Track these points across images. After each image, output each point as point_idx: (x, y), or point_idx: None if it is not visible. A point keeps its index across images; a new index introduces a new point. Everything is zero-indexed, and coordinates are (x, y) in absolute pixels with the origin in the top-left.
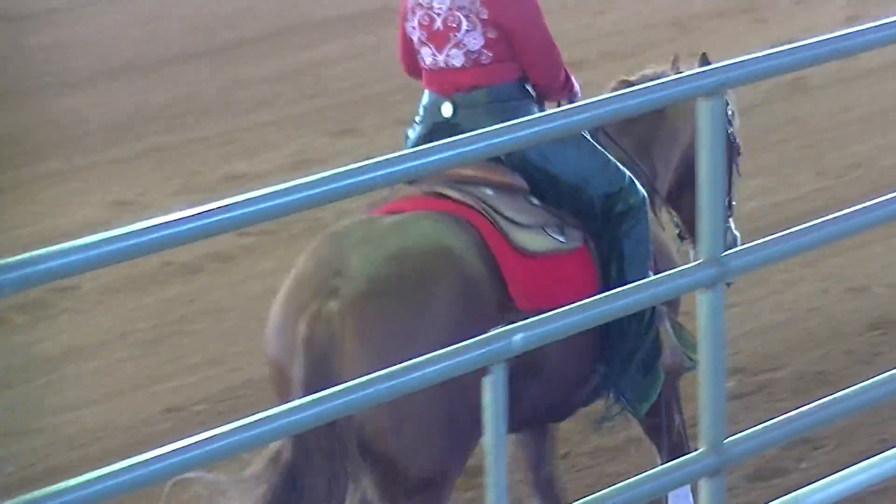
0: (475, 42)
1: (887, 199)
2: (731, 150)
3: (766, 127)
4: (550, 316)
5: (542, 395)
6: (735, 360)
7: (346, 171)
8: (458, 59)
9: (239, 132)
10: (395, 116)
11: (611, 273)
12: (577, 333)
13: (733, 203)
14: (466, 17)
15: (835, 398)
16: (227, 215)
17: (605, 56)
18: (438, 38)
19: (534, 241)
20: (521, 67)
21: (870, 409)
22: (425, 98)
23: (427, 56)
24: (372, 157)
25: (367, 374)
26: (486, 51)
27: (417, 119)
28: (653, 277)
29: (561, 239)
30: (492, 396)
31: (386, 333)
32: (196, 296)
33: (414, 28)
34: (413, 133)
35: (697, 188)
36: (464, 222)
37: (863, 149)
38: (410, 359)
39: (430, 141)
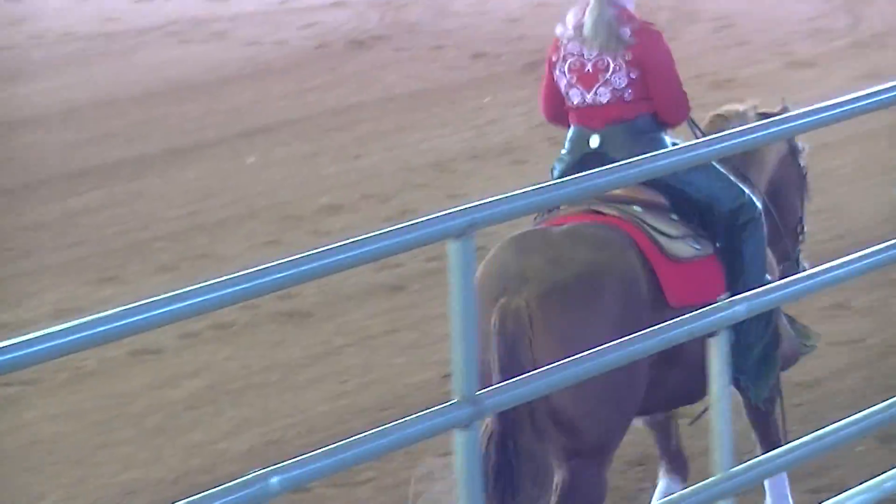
0: (620, 81)
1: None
2: (803, 182)
3: None
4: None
5: (682, 380)
6: None
7: (103, 317)
8: (604, 97)
9: (0, 282)
10: (159, 263)
11: (735, 275)
12: None
13: (804, 230)
14: (613, 59)
15: None
16: None
17: (365, 198)
18: (588, 80)
19: (679, 249)
20: (654, 103)
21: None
22: (572, 133)
23: (575, 97)
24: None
25: (552, 357)
26: (629, 89)
27: (564, 151)
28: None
29: (697, 247)
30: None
31: (566, 323)
32: None
33: (563, 73)
34: (561, 164)
35: (453, 326)
36: (622, 232)
37: None
38: (585, 344)
39: (581, 168)
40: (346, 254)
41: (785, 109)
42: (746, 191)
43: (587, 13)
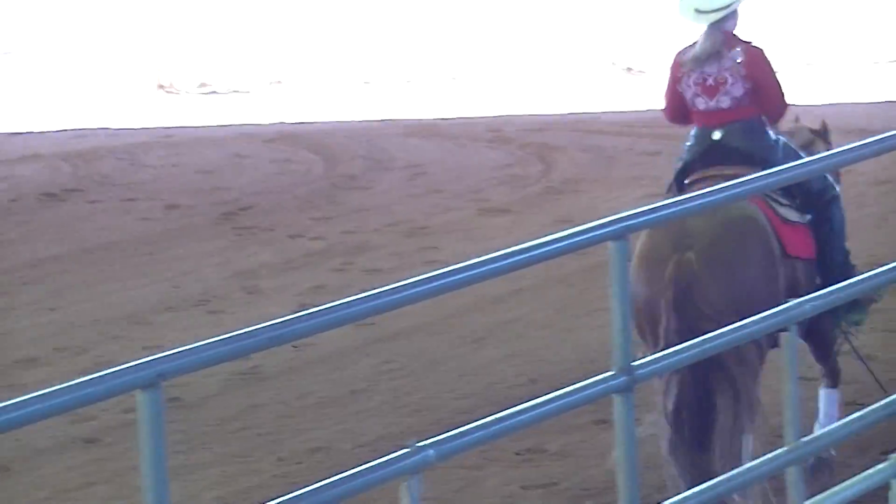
0: (738, 91)
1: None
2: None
3: (224, 417)
4: None
5: None
6: None
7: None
8: (725, 103)
9: None
10: None
11: (823, 239)
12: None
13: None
14: (731, 75)
15: None
16: None
17: (59, 351)
18: (711, 91)
19: (788, 213)
20: (760, 107)
21: None
22: (696, 130)
23: (701, 104)
24: None
25: (717, 297)
26: (745, 97)
27: (690, 143)
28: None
29: (798, 215)
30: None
31: (727, 271)
32: None
33: (689, 86)
34: (688, 153)
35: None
36: (749, 200)
37: (322, 433)
38: (742, 286)
39: (707, 155)
40: (31, 407)
41: (824, 126)
42: (829, 177)
43: (701, 40)
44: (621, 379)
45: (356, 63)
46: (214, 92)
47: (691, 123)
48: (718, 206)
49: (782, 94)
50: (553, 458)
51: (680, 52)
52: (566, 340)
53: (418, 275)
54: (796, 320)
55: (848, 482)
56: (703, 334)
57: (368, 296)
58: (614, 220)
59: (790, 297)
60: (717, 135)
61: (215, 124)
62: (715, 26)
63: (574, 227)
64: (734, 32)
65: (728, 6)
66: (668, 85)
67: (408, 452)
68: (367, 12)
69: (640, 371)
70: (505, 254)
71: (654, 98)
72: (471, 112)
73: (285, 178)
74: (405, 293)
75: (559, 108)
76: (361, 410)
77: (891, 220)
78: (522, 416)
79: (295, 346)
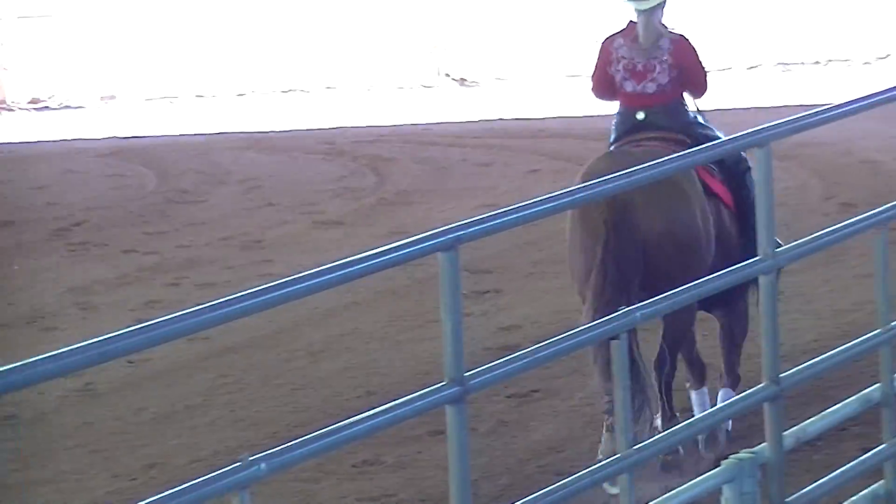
0: (664, 78)
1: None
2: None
3: (59, 434)
4: None
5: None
6: None
7: None
8: (650, 89)
9: None
10: None
11: (741, 202)
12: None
13: None
14: (658, 63)
15: None
16: None
17: None
18: (639, 76)
19: (710, 169)
20: (683, 90)
21: None
22: (622, 109)
23: (629, 86)
24: None
25: (654, 223)
26: (669, 84)
27: (616, 122)
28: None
29: (716, 170)
30: None
31: (661, 196)
32: None
33: (618, 70)
34: (616, 131)
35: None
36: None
37: (156, 450)
38: (678, 213)
39: (633, 130)
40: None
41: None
42: (743, 154)
43: (638, 30)
44: (453, 389)
45: (188, 77)
46: (47, 108)
47: (616, 101)
48: (653, 150)
49: (706, 76)
50: (389, 470)
51: (609, 38)
52: (400, 352)
53: (252, 288)
54: (627, 328)
55: (681, 487)
56: (638, 262)
57: (201, 309)
58: (444, 230)
59: (720, 240)
60: (640, 115)
61: (48, 140)
62: (649, 17)
63: (407, 238)
64: (662, 22)
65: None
66: (598, 66)
67: (239, 466)
68: (197, 25)
69: (473, 382)
70: (336, 266)
71: (485, 109)
72: (304, 124)
73: (118, 193)
74: (237, 306)
75: (392, 119)
76: (197, 425)
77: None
78: (356, 429)
79: (130, 362)
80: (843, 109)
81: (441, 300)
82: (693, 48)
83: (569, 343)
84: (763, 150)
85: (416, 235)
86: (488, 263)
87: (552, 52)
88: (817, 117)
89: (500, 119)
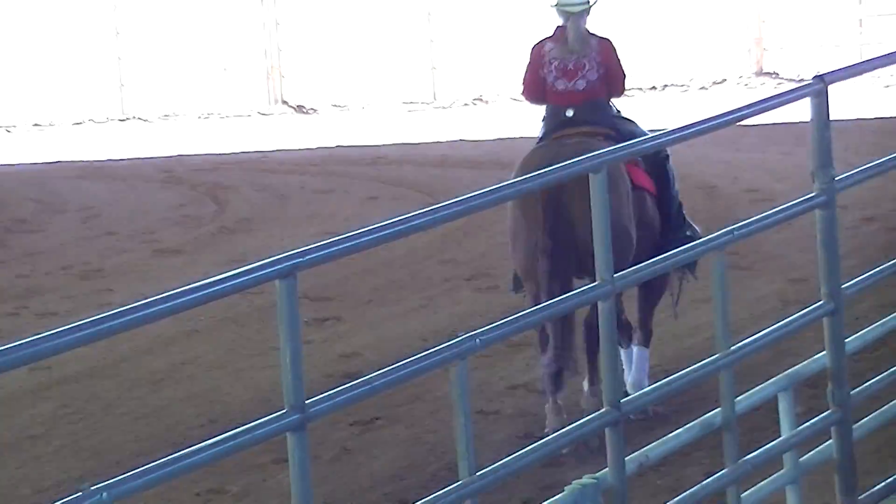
0: (593, 75)
1: None
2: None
3: None
4: None
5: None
6: None
7: None
8: (581, 86)
9: None
10: None
11: (662, 186)
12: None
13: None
14: (588, 61)
15: None
16: None
17: None
18: (570, 74)
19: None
20: (607, 89)
21: None
22: (551, 108)
23: (560, 85)
24: None
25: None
26: (597, 81)
27: (544, 119)
28: None
29: (640, 161)
30: None
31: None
32: None
33: (551, 71)
34: (545, 127)
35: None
36: (605, 144)
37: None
38: (613, 202)
39: (560, 129)
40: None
41: None
42: None
43: (568, 32)
44: (294, 417)
45: (24, 106)
46: None
47: (545, 103)
48: (584, 141)
49: (624, 76)
50: (234, 499)
51: (540, 43)
52: (242, 380)
53: (91, 317)
54: (463, 357)
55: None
56: (573, 245)
57: (40, 338)
58: (282, 258)
59: (642, 226)
60: (569, 112)
61: None
62: (577, 21)
63: (246, 266)
64: (586, 27)
65: (588, 5)
66: (530, 69)
67: (81, 496)
68: (32, 55)
69: (313, 409)
70: (175, 294)
71: (324, 136)
72: (142, 153)
73: None
74: (77, 335)
75: (230, 147)
76: (40, 455)
77: None
78: (198, 457)
79: None
80: (680, 134)
81: (280, 327)
82: (616, 50)
83: (409, 370)
84: (599, 175)
85: (255, 263)
86: (329, 291)
87: (389, 80)
88: (654, 141)
89: (339, 146)
